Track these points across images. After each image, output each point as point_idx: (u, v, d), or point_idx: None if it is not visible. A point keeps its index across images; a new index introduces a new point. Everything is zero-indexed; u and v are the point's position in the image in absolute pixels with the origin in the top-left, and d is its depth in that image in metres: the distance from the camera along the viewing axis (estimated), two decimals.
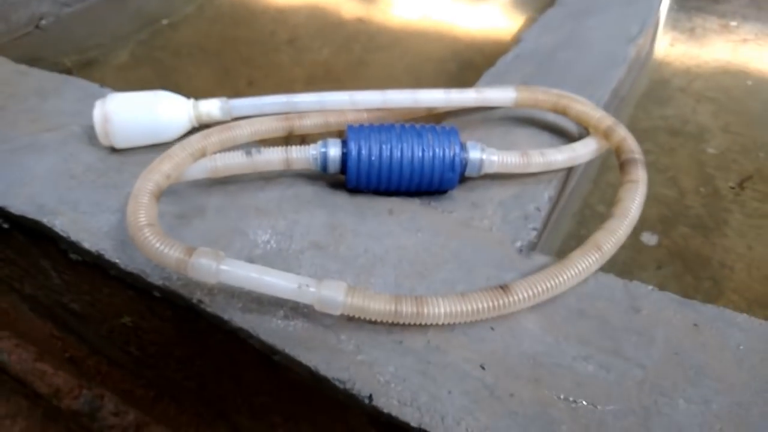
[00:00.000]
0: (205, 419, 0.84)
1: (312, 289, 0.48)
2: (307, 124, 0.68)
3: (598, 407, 0.45)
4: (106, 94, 0.69)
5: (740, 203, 1.01)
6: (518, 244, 0.59)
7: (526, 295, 0.50)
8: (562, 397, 0.46)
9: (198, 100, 0.69)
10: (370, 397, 0.46)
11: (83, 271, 0.63)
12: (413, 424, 0.45)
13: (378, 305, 0.48)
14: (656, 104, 1.18)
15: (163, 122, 0.67)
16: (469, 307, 0.49)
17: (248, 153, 0.61)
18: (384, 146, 0.60)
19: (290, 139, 0.69)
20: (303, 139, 0.68)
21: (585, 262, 0.52)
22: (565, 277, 0.51)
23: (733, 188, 1.02)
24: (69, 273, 0.67)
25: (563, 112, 0.70)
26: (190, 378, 0.71)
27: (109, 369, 0.93)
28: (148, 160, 0.67)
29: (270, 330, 0.51)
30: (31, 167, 0.67)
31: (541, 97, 0.70)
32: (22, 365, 1.00)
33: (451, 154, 0.60)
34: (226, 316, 0.52)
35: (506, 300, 0.50)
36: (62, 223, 0.60)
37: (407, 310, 0.49)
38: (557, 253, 0.73)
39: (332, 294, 0.48)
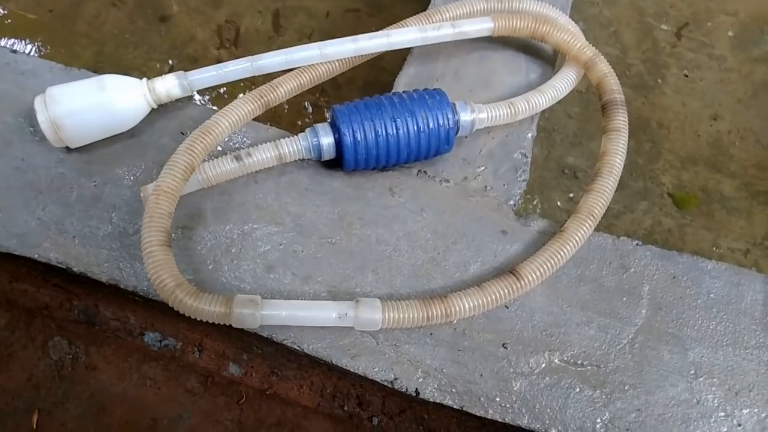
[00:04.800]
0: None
1: (350, 314, 0.52)
2: (282, 93, 0.63)
3: (601, 367, 0.55)
4: (27, 65, 0.59)
5: (677, 56, 1.06)
6: (512, 202, 0.63)
7: (535, 276, 0.56)
8: (572, 363, 0.55)
9: (152, 80, 0.61)
10: (416, 391, 0.54)
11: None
12: (455, 407, 0.54)
13: (411, 313, 0.53)
14: None
15: (121, 113, 0.60)
16: (488, 298, 0.55)
17: (238, 158, 0.57)
18: (379, 128, 0.58)
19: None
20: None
21: (582, 231, 0.58)
22: (567, 250, 0.57)
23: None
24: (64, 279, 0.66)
25: (542, 40, 0.68)
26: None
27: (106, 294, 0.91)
28: (113, 154, 0.63)
29: (314, 342, 0.55)
30: None
31: (519, 24, 0.67)
32: None
33: (446, 128, 0.60)
34: (265, 333, 0.56)
35: (519, 285, 0.56)
36: (57, 256, 0.58)
37: (437, 312, 0.54)
38: None
39: (370, 315, 0.52)
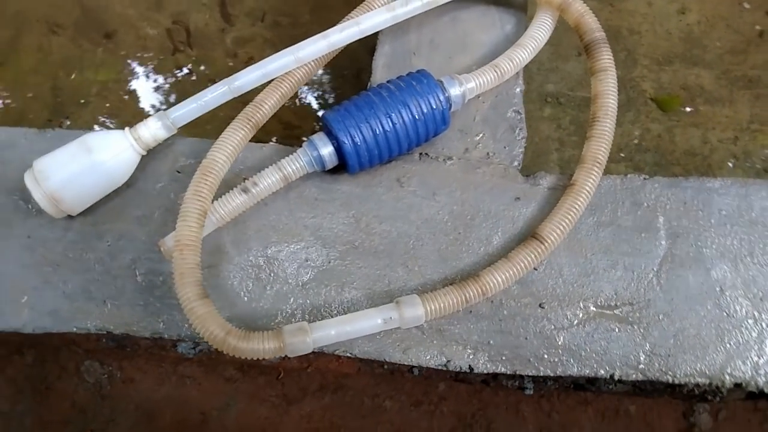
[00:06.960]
0: None
1: (395, 316, 0.54)
2: (267, 109, 0.62)
3: (634, 304, 0.58)
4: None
5: None
6: (516, 163, 0.64)
7: (556, 235, 0.58)
8: (607, 306, 0.58)
9: (134, 128, 0.60)
10: (470, 367, 0.57)
11: None
12: (509, 372, 0.57)
13: (450, 300, 0.55)
14: None
15: (115, 171, 0.59)
16: (518, 267, 0.57)
17: (245, 190, 0.57)
18: (375, 127, 0.58)
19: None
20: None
21: (591, 181, 0.59)
22: (581, 202, 0.59)
23: None
24: None
25: None
26: None
27: None
28: (116, 209, 0.62)
29: (363, 345, 0.57)
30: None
31: None
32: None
33: (440, 109, 0.60)
34: (316, 348, 0.58)
35: (543, 247, 0.58)
36: (95, 324, 0.58)
37: (473, 293, 0.56)
38: None
39: (413, 312, 0.54)
